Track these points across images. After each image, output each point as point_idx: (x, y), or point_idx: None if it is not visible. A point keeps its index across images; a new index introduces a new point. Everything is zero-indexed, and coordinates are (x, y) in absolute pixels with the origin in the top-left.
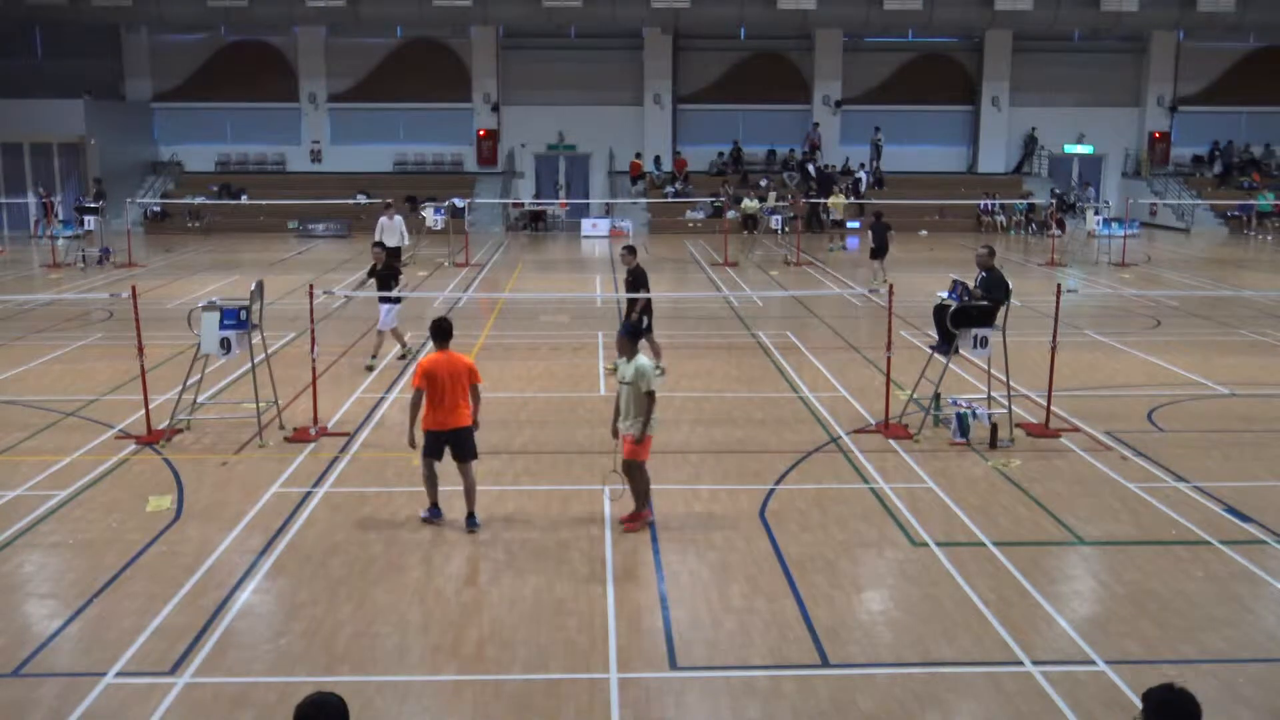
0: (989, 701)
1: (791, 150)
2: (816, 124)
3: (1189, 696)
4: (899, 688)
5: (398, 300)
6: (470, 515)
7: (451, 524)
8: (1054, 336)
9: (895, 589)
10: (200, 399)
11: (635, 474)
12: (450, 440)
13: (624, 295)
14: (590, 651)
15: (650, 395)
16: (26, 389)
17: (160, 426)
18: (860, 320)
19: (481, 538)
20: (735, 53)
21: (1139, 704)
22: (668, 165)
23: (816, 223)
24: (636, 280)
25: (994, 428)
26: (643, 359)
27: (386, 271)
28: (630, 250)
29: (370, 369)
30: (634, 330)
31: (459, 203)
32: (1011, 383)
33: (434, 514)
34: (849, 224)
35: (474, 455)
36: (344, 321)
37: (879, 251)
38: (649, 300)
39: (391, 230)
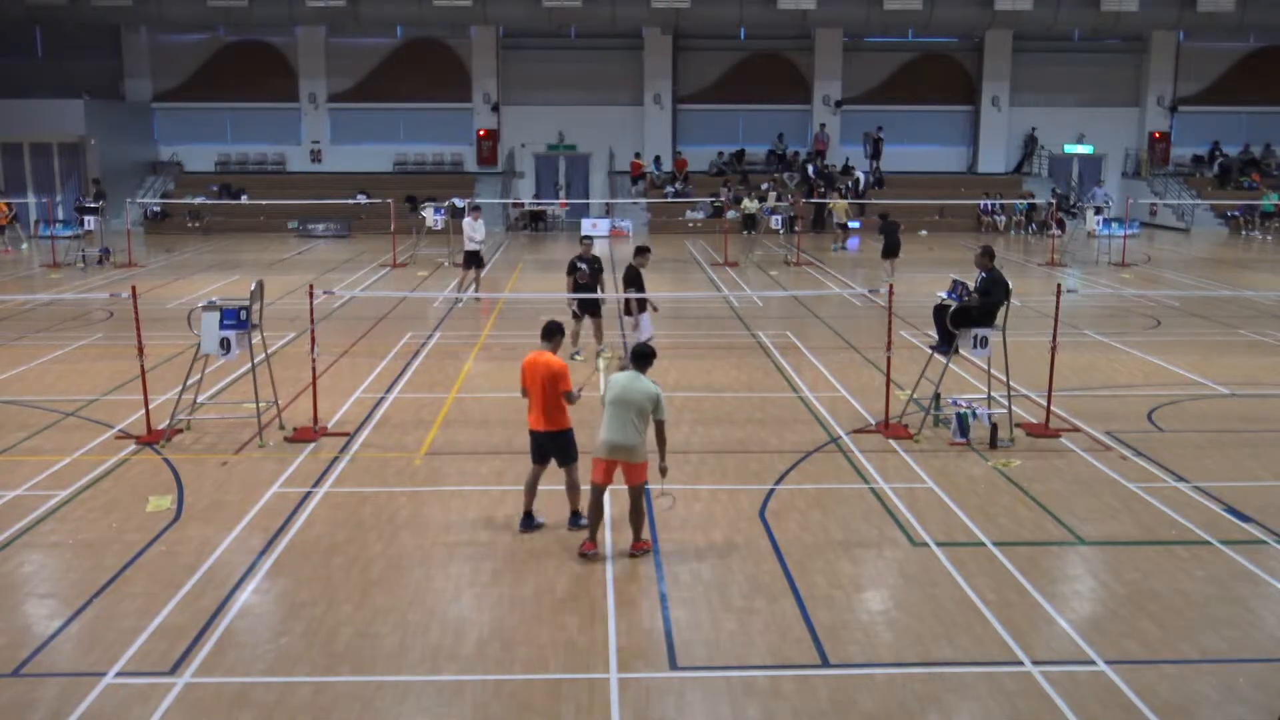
0: (989, 701)
1: (794, 151)
2: (823, 125)
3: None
4: (899, 688)
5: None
6: (573, 513)
7: (453, 525)
8: (1054, 336)
9: (895, 589)
10: (200, 399)
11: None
12: (545, 442)
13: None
14: (590, 651)
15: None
16: (26, 389)
17: (160, 426)
18: (860, 320)
19: (481, 538)
20: (735, 53)
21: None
22: (668, 165)
23: (819, 223)
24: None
25: (994, 428)
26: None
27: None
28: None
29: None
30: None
31: (459, 203)
32: (1011, 383)
33: (526, 524)
34: (850, 224)
35: (570, 460)
36: (344, 321)
37: (890, 250)
38: None
39: (473, 231)
